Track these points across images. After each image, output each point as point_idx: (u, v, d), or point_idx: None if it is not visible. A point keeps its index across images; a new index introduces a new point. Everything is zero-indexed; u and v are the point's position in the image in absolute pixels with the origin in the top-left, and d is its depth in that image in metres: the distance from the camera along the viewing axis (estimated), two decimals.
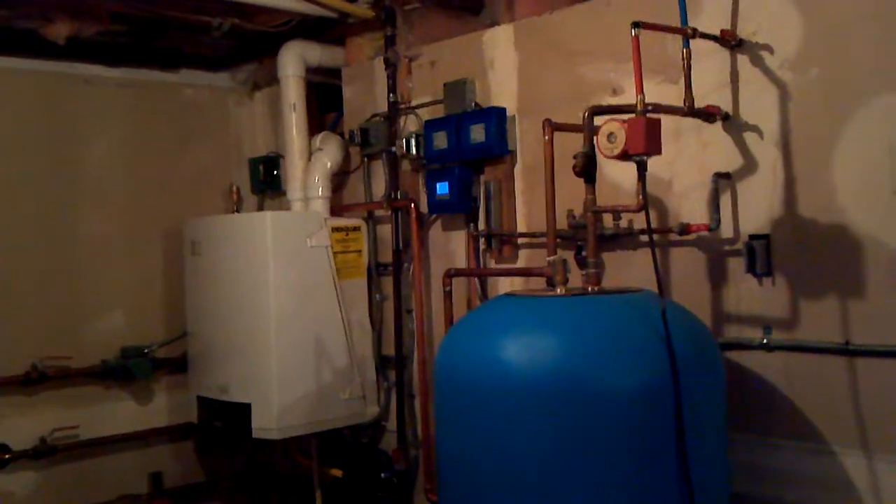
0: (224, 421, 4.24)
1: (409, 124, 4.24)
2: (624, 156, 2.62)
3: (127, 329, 4.71)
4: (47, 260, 4.50)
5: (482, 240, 3.93)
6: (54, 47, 4.30)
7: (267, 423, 4.04)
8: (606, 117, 2.69)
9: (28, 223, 4.46)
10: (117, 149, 4.77)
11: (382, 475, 4.29)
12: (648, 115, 2.65)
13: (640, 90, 2.65)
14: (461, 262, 4.00)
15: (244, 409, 4.09)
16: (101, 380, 4.62)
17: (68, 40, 4.26)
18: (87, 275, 4.62)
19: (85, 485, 4.52)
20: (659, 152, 2.65)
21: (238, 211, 4.73)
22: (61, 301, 4.53)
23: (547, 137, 2.99)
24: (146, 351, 4.65)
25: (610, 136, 2.63)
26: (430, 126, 3.99)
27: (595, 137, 2.70)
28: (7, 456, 4.28)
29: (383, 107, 4.32)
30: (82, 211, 4.63)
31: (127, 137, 4.80)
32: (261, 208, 5.15)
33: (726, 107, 3.05)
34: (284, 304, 4.07)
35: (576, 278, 2.94)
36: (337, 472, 4.32)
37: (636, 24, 2.69)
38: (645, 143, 2.58)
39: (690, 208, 3.18)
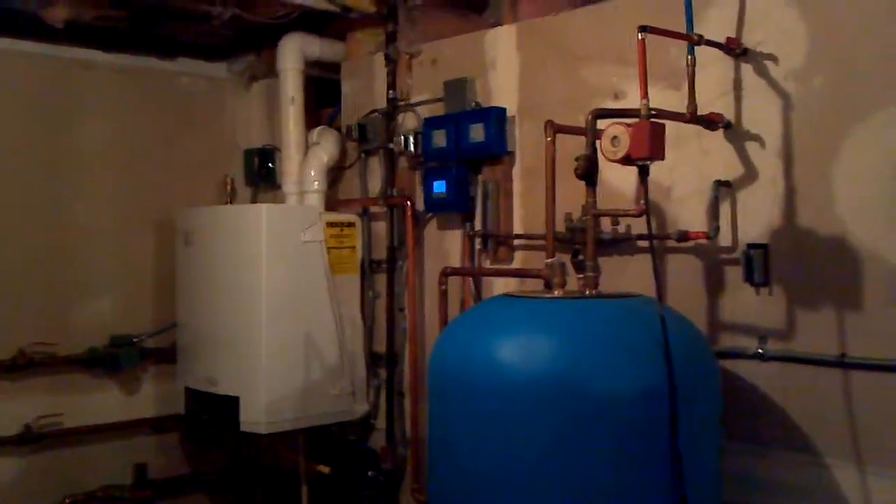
0: (211, 413, 4.22)
1: (408, 121, 4.23)
2: (627, 160, 2.61)
3: (116, 317, 4.67)
4: (37, 245, 4.46)
5: (478, 240, 3.91)
6: (52, 30, 4.27)
7: (255, 416, 4.01)
8: (609, 121, 2.68)
9: (19, 207, 4.40)
10: (111, 135, 4.72)
11: (369, 473, 4.27)
12: (651, 120, 2.65)
13: (645, 95, 2.64)
14: (456, 261, 3.99)
15: (232, 402, 4.06)
16: (87, 368, 4.57)
17: (67, 24, 4.22)
18: (77, 261, 4.58)
19: (68, 473, 4.48)
20: (662, 157, 2.64)
21: (231, 202, 4.71)
22: (50, 287, 4.48)
23: (549, 138, 2.97)
24: (135, 340, 4.61)
25: (614, 139, 2.62)
26: (430, 124, 3.98)
27: (598, 140, 2.70)
28: None
29: (382, 103, 4.30)
30: (74, 196, 4.58)
31: (121, 124, 4.76)
32: (254, 201, 5.12)
33: (729, 115, 3.05)
34: (276, 298, 4.05)
35: (571, 282, 2.93)
36: (324, 469, 4.29)
37: (643, 29, 2.68)
38: (649, 147, 2.57)
39: (689, 215, 3.17)
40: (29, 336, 4.35)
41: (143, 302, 4.79)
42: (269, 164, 4.92)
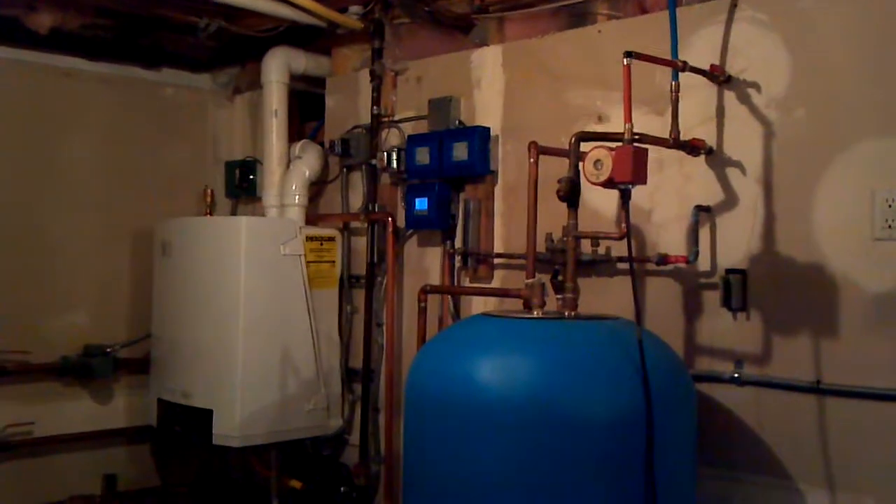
0: (184, 426, 4.17)
1: (391, 138, 4.23)
2: (609, 183, 2.63)
3: (91, 327, 4.63)
4: (13, 252, 4.42)
5: (458, 258, 3.91)
6: (36, 37, 4.25)
7: (228, 430, 3.98)
8: (593, 144, 2.70)
9: None
10: (92, 143, 4.71)
11: (342, 489, 4.25)
12: (635, 144, 2.67)
13: (629, 119, 2.66)
14: (435, 278, 3.99)
15: (206, 415, 4.02)
16: (60, 377, 4.53)
17: (51, 31, 4.20)
18: (53, 269, 4.54)
19: (37, 483, 4.42)
20: (644, 182, 2.66)
21: (211, 214, 4.67)
22: (25, 295, 4.44)
23: (532, 159, 3.00)
24: (108, 350, 4.57)
25: (597, 162, 2.64)
26: (413, 141, 3.98)
27: (581, 163, 2.71)
28: None
29: (366, 119, 4.31)
30: (52, 204, 4.55)
31: (103, 133, 4.75)
32: (234, 212, 5.10)
33: (711, 141, 3.08)
34: (253, 311, 4.03)
35: (550, 302, 2.94)
36: (296, 484, 4.26)
37: (629, 54, 2.70)
38: (631, 171, 2.59)
39: (669, 239, 3.19)
40: (1, 344, 4.30)
41: (119, 312, 4.75)
42: (251, 177, 4.91)
